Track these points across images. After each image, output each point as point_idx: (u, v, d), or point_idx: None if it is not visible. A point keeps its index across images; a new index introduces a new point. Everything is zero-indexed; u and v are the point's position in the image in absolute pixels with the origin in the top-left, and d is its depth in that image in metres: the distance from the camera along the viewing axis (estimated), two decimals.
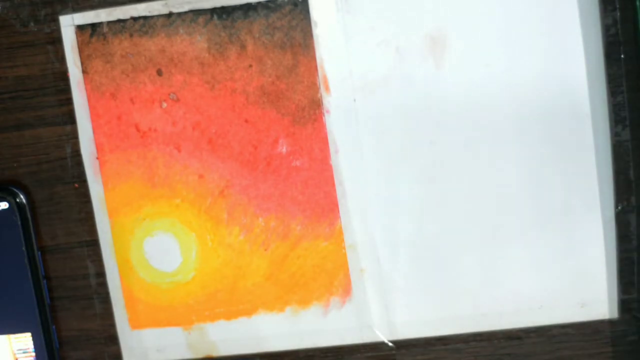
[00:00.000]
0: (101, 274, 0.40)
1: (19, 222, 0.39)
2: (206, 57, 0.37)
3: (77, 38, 0.38)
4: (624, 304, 0.37)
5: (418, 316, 0.38)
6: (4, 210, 0.39)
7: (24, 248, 0.39)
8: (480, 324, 0.38)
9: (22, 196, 0.39)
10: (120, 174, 0.39)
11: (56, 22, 0.38)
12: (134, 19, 0.37)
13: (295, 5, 0.36)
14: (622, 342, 0.37)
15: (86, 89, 0.38)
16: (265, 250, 0.38)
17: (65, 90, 0.38)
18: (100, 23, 0.37)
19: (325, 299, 0.38)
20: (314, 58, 0.36)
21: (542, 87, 0.35)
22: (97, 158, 0.39)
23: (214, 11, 0.37)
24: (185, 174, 0.38)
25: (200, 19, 0.37)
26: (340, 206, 0.37)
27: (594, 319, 0.37)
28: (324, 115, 0.37)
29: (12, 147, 0.39)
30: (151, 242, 0.39)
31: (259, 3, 0.36)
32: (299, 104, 0.37)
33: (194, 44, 0.37)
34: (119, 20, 0.37)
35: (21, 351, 0.40)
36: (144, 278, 0.39)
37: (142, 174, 0.39)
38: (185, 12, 0.37)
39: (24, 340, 0.40)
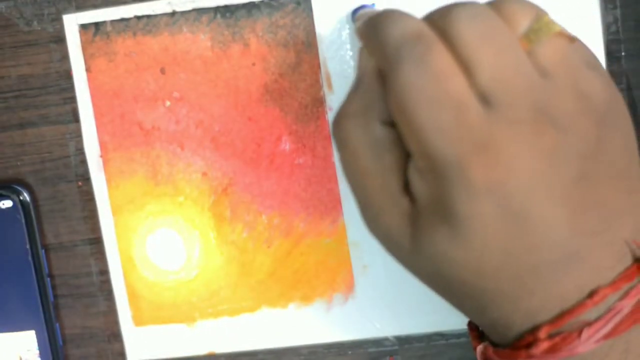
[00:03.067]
0: (104, 271, 0.40)
1: (23, 220, 0.39)
2: (209, 56, 0.37)
3: (80, 37, 0.38)
4: None
5: (420, 312, 0.38)
6: (7, 208, 0.39)
7: (27, 246, 0.39)
8: None
9: (25, 194, 0.39)
10: (123, 172, 0.39)
11: (59, 21, 0.38)
12: (138, 17, 0.37)
13: (299, 3, 0.36)
14: None
15: (89, 88, 0.38)
16: (269, 247, 0.39)
17: (69, 89, 0.39)
18: (104, 22, 0.38)
19: (329, 295, 0.39)
20: (316, 56, 0.37)
21: None
22: (101, 156, 0.39)
23: (217, 10, 0.37)
24: (188, 172, 0.38)
25: (204, 18, 0.37)
26: (343, 203, 0.38)
27: None
28: (326, 113, 0.37)
29: (15, 145, 0.40)
30: (154, 239, 0.39)
31: (262, 2, 0.37)
32: (301, 101, 0.37)
33: (197, 42, 0.37)
34: (123, 19, 0.37)
35: (25, 349, 0.40)
36: (147, 276, 0.40)
37: (146, 172, 0.39)
38: (189, 11, 0.37)
39: (28, 338, 0.40)
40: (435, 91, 0.23)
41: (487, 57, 0.23)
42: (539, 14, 0.25)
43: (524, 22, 0.25)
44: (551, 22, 0.25)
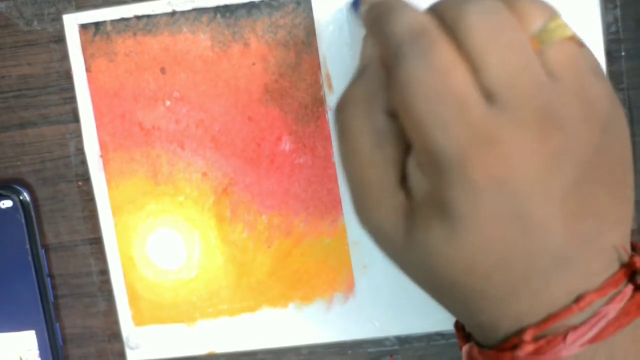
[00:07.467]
0: (105, 271, 0.40)
1: (23, 220, 0.39)
2: (209, 56, 0.37)
3: (80, 37, 0.38)
4: None
5: (420, 312, 0.38)
6: (8, 208, 0.39)
7: (27, 246, 0.39)
8: None
9: (25, 194, 0.39)
10: (123, 172, 0.39)
11: (60, 21, 0.38)
12: (138, 17, 0.37)
13: (299, 3, 0.36)
14: None
15: (90, 88, 0.38)
16: (269, 247, 0.39)
17: (69, 88, 0.39)
18: (104, 22, 0.38)
19: (329, 295, 0.39)
20: (317, 56, 0.37)
21: None
22: (101, 156, 0.39)
23: (217, 9, 0.37)
24: (188, 172, 0.38)
25: (204, 18, 0.37)
26: (343, 203, 0.38)
27: None
28: (326, 113, 0.37)
29: (15, 145, 0.40)
30: (154, 239, 0.39)
31: (262, 1, 0.37)
32: (302, 101, 0.37)
33: (197, 42, 0.37)
34: (123, 19, 0.37)
35: (25, 349, 0.40)
36: (147, 276, 0.40)
37: (146, 172, 0.39)
38: (189, 11, 0.37)
39: (28, 338, 0.40)
40: (437, 86, 0.23)
41: (495, 55, 0.23)
42: (553, 15, 0.25)
43: (537, 22, 0.25)
44: (564, 25, 0.25)
